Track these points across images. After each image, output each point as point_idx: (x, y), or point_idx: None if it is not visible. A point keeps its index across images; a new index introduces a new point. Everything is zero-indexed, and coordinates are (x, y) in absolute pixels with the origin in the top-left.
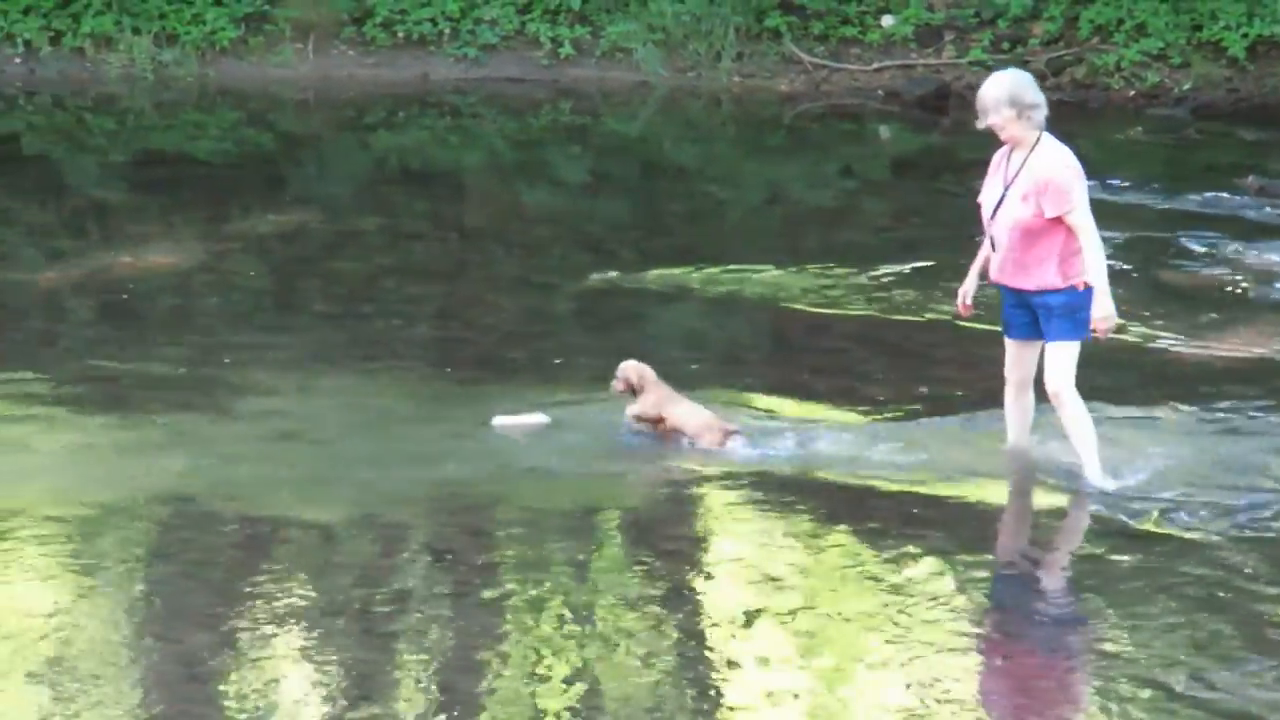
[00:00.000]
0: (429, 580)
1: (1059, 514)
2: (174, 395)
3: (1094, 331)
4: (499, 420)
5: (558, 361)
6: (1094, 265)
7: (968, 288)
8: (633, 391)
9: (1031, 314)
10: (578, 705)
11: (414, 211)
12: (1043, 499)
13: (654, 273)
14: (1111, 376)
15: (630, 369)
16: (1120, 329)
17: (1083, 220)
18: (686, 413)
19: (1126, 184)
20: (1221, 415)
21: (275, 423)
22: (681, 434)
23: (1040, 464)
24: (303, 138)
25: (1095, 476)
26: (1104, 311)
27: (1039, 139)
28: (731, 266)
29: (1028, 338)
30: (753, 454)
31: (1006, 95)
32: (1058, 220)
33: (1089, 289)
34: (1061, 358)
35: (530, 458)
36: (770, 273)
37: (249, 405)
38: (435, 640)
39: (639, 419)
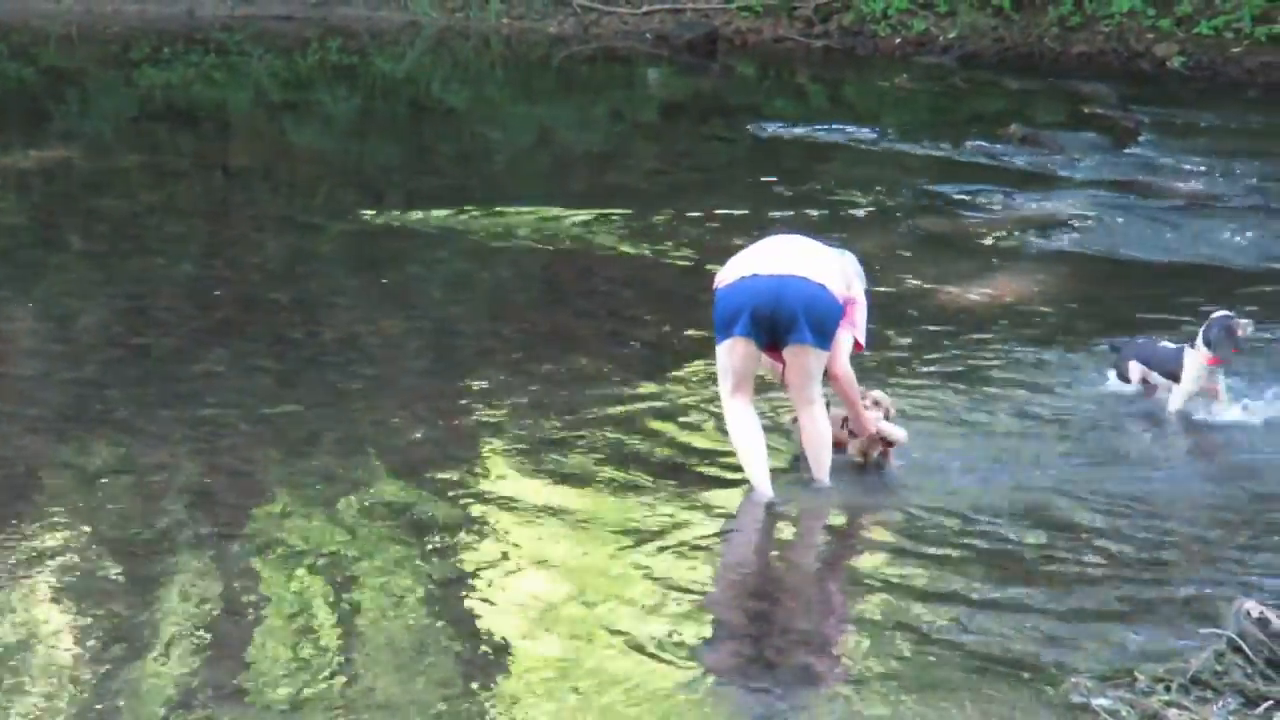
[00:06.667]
0: (189, 522)
1: None
2: None
3: None
4: (886, 426)
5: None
6: None
7: None
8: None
9: None
10: (339, 644)
11: (178, 149)
12: None
13: (421, 214)
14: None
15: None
16: (881, 272)
17: None
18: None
19: (891, 131)
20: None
21: (34, 363)
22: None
23: None
24: (66, 72)
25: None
26: None
27: None
28: (500, 208)
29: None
30: None
31: None
32: None
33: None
34: None
35: (286, 399)
36: (539, 215)
37: (6, 344)
38: (194, 582)
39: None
